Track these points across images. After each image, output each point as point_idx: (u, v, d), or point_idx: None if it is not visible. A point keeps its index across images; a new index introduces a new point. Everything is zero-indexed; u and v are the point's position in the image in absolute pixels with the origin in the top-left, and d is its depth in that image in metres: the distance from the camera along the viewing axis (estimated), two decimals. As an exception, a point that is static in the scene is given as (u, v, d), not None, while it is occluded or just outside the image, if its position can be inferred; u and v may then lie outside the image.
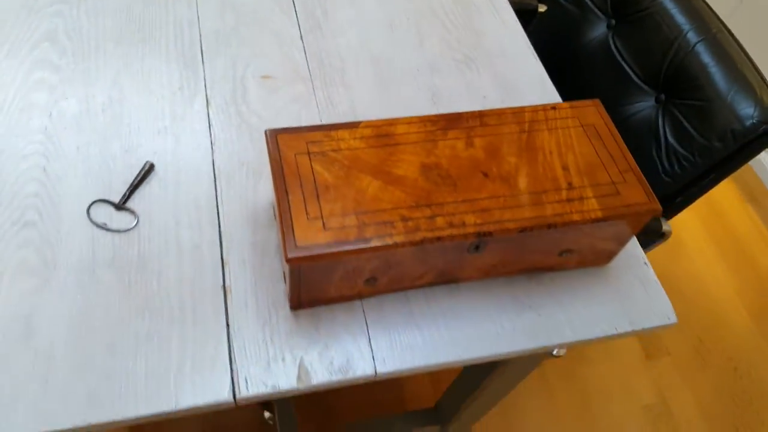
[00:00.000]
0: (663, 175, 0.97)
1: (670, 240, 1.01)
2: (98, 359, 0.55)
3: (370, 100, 0.79)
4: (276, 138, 0.58)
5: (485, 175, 0.58)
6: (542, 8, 1.32)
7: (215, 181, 0.68)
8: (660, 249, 1.06)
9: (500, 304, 0.63)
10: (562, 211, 0.56)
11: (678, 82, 0.96)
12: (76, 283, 0.60)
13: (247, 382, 0.56)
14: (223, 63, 0.80)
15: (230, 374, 0.56)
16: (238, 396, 0.55)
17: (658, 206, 0.58)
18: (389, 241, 0.52)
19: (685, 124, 0.94)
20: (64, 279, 0.60)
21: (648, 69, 1.02)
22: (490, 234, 0.54)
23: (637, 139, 1.00)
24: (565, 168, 0.59)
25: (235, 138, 0.72)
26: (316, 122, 0.76)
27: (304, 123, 0.76)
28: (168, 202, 0.66)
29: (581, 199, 0.57)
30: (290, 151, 0.57)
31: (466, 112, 0.63)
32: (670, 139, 0.97)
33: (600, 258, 0.66)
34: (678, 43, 0.96)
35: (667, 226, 1.00)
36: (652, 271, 0.67)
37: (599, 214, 0.56)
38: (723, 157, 0.90)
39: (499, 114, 0.63)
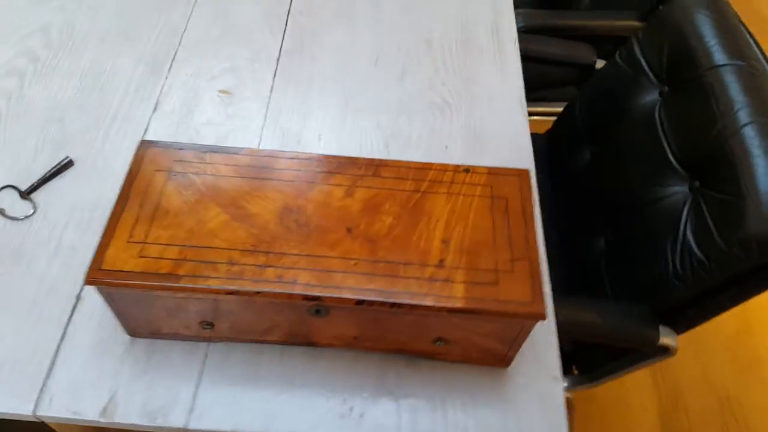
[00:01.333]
0: (674, 278, 0.82)
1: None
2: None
3: (320, 131, 0.75)
4: (145, 150, 0.56)
5: (349, 230, 0.52)
6: (599, 64, 1.21)
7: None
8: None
9: (360, 383, 0.56)
10: (417, 290, 0.48)
11: (713, 168, 0.81)
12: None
13: (51, 401, 0.54)
14: (189, 72, 0.81)
15: (40, 388, 0.54)
16: (37, 412, 0.53)
17: (542, 311, 0.48)
18: (201, 284, 0.48)
19: (708, 220, 0.79)
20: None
21: (686, 147, 0.88)
22: (318, 299, 0.48)
23: (658, 229, 0.86)
24: (445, 241, 0.51)
25: (164, 147, 0.73)
26: (253, 144, 0.74)
27: (240, 142, 0.74)
28: (71, 200, 0.67)
29: (447, 281, 0.49)
30: (151, 166, 0.55)
31: (363, 159, 0.57)
32: (689, 235, 0.82)
33: (491, 357, 0.56)
34: (724, 122, 0.82)
35: (672, 340, 0.84)
36: (561, 389, 0.56)
37: (459, 303, 0.48)
38: (744, 271, 0.74)
39: (399, 167, 0.56)
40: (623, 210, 0.95)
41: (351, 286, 0.48)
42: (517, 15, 0.98)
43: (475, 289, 0.48)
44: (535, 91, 1.34)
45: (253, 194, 0.54)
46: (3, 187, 0.68)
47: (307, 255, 0.50)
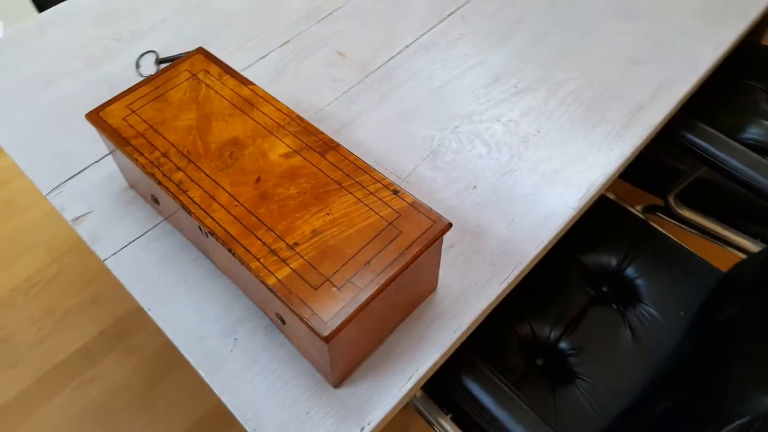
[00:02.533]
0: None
1: None
2: None
3: (378, 122, 0.80)
4: (195, 54, 0.70)
5: (258, 180, 0.58)
6: None
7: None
8: None
9: (239, 318, 0.62)
10: (255, 252, 0.52)
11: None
12: None
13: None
14: (329, 32, 0.93)
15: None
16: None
17: (325, 333, 0.47)
18: (134, 156, 0.60)
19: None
20: None
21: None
22: (189, 210, 0.56)
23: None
24: (314, 232, 0.54)
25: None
26: (328, 102, 0.83)
27: (318, 99, 0.83)
28: (179, 77, 0.86)
29: (283, 260, 0.52)
30: (187, 66, 0.68)
31: (324, 136, 0.61)
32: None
33: (320, 367, 0.56)
34: None
35: None
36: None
37: (271, 280, 0.50)
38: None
39: (345, 158, 0.59)
40: None
41: (215, 219, 0.55)
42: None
43: (295, 281, 0.50)
44: (732, 215, 1.13)
45: (224, 118, 0.63)
46: (147, 52, 0.90)
47: (213, 180, 0.58)
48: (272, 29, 0.93)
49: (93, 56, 0.90)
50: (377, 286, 0.50)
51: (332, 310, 0.49)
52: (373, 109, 0.81)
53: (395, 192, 0.56)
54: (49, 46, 0.91)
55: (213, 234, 0.54)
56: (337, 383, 0.57)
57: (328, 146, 0.60)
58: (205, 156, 0.60)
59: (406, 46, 0.89)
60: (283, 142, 0.61)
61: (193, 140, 0.61)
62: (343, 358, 0.55)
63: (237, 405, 0.56)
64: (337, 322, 0.48)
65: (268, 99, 0.65)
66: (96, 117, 0.63)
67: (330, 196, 0.56)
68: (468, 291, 0.64)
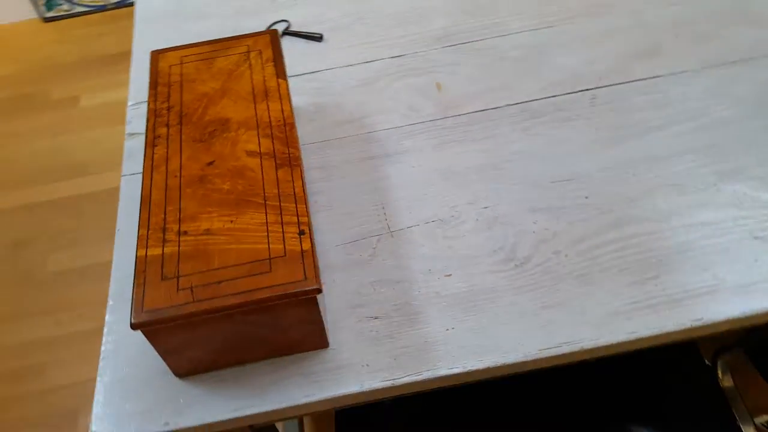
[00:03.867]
0: None
1: None
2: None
3: (414, 167, 0.76)
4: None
5: (211, 164, 0.61)
6: None
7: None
8: None
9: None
10: (153, 221, 0.56)
11: None
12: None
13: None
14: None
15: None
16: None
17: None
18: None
19: None
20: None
21: None
22: (144, 164, 0.62)
23: None
24: (207, 231, 0.55)
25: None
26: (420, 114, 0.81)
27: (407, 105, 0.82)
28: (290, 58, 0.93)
29: (162, 240, 0.55)
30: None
31: (297, 167, 0.61)
32: None
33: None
34: None
35: None
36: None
37: (140, 252, 0.54)
38: None
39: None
40: None
41: (152, 180, 0.60)
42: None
43: (154, 263, 0.53)
44: None
45: (234, 99, 0.67)
46: (281, 21, 0.98)
47: (180, 147, 0.63)
48: (397, 38, 0.93)
49: (245, 8, 1.01)
50: (208, 307, 0.50)
51: (155, 305, 0.51)
52: (421, 153, 0.78)
53: (301, 233, 0.55)
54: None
55: (141, 192, 0.59)
56: (179, 374, 0.59)
57: (288, 162, 0.61)
58: (194, 124, 0.65)
59: (508, 105, 0.82)
60: (258, 141, 0.63)
61: (197, 107, 0.67)
62: (177, 356, 0.56)
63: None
64: (149, 317, 0.50)
65: (283, 97, 0.67)
66: (155, 56, 0.73)
67: (248, 207, 0.57)
68: (352, 368, 0.59)
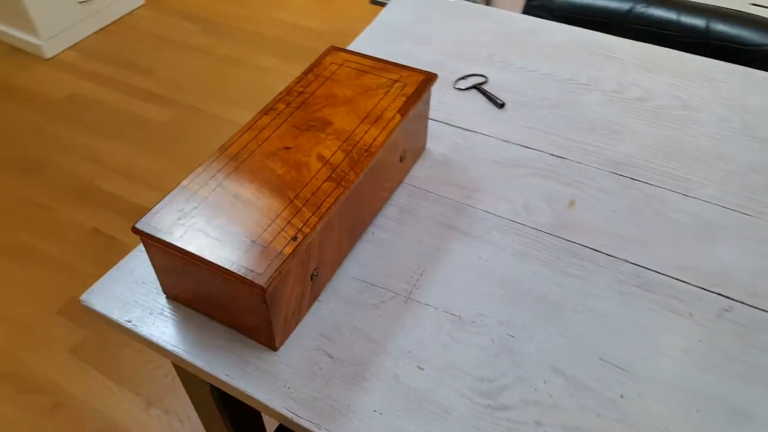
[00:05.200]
0: None
1: None
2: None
3: (472, 264, 0.73)
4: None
5: (287, 148, 0.68)
6: None
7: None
8: None
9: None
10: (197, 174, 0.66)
11: None
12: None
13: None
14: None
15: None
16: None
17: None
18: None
19: None
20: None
21: None
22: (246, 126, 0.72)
23: None
24: (236, 196, 0.63)
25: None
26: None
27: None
28: (469, 111, 0.95)
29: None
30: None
31: (347, 188, 0.65)
32: None
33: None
34: None
35: None
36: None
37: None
38: None
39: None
40: None
41: (236, 141, 0.70)
42: None
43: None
44: None
45: (355, 110, 0.73)
46: (477, 75, 1.00)
47: (279, 125, 0.71)
48: (572, 140, 0.89)
49: (463, 51, 1.06)
50: (182, 247, 0.58)
51: (158, 224, 0.60)
52: (499, 252, 0.74)
53: (293, 238, 0.59)
54: (426, 22, 1.12)
55: (227, 141, 0.69)
56: (165, 293, 0.68)
57: (340, 181, 0.64)
58: (305, 113, 0.73)
59: (625, 260, 0.74)
60: (334, 152, 0.68)
61: (318, 102, 0.74)
62: (165, 276, 0.65)
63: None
64: (146, 230, 0.59)
65: (387, 129, 0.71)
66: (329, 50, 0.83)
67: (278, 195, 0.63)
68: (275, 380, 0.61)
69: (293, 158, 0.67)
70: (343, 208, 0.66)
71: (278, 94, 0.76)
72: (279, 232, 0.59)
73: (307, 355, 0.64)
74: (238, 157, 0.67)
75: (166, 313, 0.67)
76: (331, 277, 0.71)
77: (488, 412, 0.59)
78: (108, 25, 2.68)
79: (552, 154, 0.87)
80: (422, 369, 0.63)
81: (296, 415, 0.59)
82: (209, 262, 0.57)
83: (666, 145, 0.89)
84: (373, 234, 0.76)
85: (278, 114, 0.73)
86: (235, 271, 0.56)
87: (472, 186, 0.82)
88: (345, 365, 0.63)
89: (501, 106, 0.95)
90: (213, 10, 2.79)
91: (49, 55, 2.46)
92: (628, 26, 1.16)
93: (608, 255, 0.74)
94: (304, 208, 0.61)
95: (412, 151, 0.82)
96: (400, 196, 0.81)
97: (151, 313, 0.67)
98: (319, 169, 0.66)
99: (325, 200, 0.62)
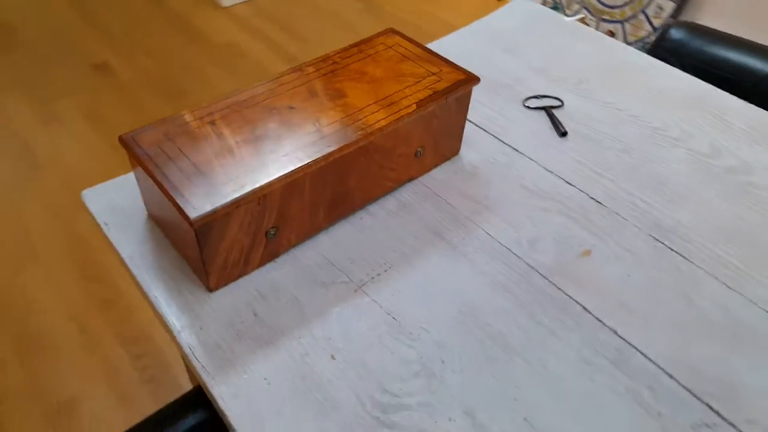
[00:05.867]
0: None
1: None
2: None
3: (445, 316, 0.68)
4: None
5: (291, 108, 0.69)
6: None
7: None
8: None
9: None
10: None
11: None
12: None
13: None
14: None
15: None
16: None
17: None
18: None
19: None
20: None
21: None
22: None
23: None
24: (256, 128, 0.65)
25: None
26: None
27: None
28: (529, 129, 0.89)
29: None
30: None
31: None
32: None
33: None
34: None
35: None
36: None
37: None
38: None
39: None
40: None
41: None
42: None
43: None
44: None
45: (374, 92, 0.72)
46: (552, 97, 0.93)
47: (305, 78, 0.72)
48: (616, 189, 0.80)
49: (548, 74, 1.00)
50: (142, 154, 0.61)
51: (146, 141, 0.64)
52: (471, 268, 0.69)
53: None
54: (527, 33, 1.05)
55: (235, 92, 0.72)
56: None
57: (321, 150, 0.64)
58: (327, 81, 0.73)
59: (619, 349, 0.65)
60: (331, 123, 0.68)
61: (345, 76, 0.74)
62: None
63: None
64: (129, 140, 0.64)
65: (394, 115, 0.69)
66: (389, 31, 0.82)
67: (260, 142, 0.64)
68: (190, 315, 0.63)
69: (290, 118, 0.68)
70: (318, 177, 0.66)
71: (315, 58, 0.77)
72: (235, 179, 0.60)
73: (235, 306, 0.65)
74: (242, 103, 0.70)
75: (139, 229, 0.72)
76: (296, 244, 0.71)
77: (373, 424, 0.56)
78: (287, -12, 2.89)
79: (592, 198, 0.79)
80: (334, 359, 0.61)
81: (193, 354, 0.60)
82: (162, 185, 0.60)
83: (735, 227, 0.77)
84: (361, 219, 0.75)
85: (303, 75, 0.74)
86: (176, 200, 0.58)
87: (487, 204, 0.77)
88: (264, 328, 0.63)
89: (563, 134, 0.88)
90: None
91: (225, 4, 2.71)
92: (761, 90, 1.01)
93: (595, 317, 0.66)
94: (272, 163, 0.62)
95: (436, 151, 0.79)
96: (406, 191, 0.78)
97: (128, 224, 0.72)
98: (309, 134, 0.66)
99: (300, 163, 0.62)
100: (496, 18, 1.13)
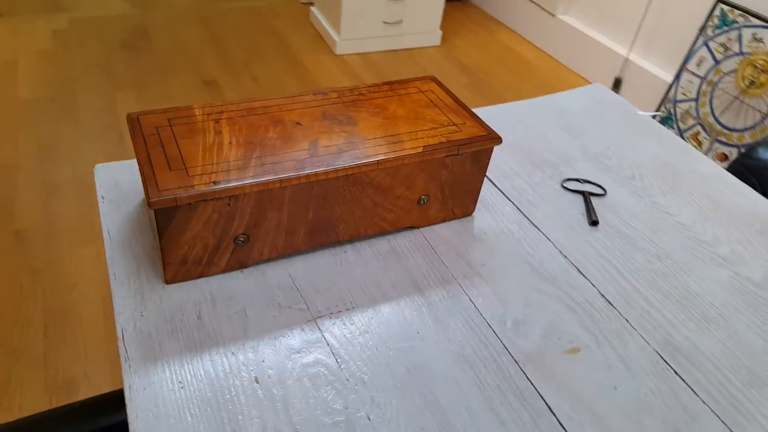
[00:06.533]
0: None
1: None
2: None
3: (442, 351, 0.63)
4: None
5: (297, 124, 0.69)
6: None
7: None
8: None
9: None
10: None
11: None
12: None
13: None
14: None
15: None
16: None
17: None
18: (370, 85, 0.78)
19: None
20: (580, 161, 0.94)
21: None
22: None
23: None
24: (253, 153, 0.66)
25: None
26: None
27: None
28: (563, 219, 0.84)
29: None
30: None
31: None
32: None
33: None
34: None
35: None
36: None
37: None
38: None
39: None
40: None
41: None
42: None
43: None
44: None
45: (380, 129, 0.71)
46: (593, 184, 0.87)
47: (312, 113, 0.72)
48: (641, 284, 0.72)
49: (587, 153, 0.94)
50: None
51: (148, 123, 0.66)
52: (437, 335, 0.64)
53: (215, 182, 0.59)
54: (591, 118, 0.99)
55: (250, 99, 0.73)
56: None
57: (306, 169, 0.63)
58: (343, 107, 0.73)
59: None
60: (329, 144, 0.66)
61: (363, 107, 0.74)
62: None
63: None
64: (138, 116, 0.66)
65: (394, 153, 0.67)
66: (431, 79, 0.81)
67: (252, 148, 0.64)
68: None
69: (292, 133, 0.68)
70: (299, 195, 0.64)
71: (344, 87, 0.77)
72: (212, 173, 0.60)
73: (183, 303, 0.63)
74: (253, 110, 0.70)
75: (129, 210, 0.73)
76: (268, 259, 0.69)
77: (267, 461, 0.51)
78: (398, 50, 2.99)
79: (602, 295, 0.72)
80: (257, 383, 0.57)
81: (122, 337, 0.59)
82: (140, 163, 0.60)
83: (764, 371, 0.66)
84: (345, 252, 0.72)
85: (325, 98, 0.74)
86: (146, 179, 0.58)
87: (481, 272, 0.72)
88: (201, 332, 0.61)
89: (593, 223, 0.82)
90: (487, 70, 2.92)
91: (338, 51, 2.84)
92: None
93: (558, 421, 0.58)
94: (253, 168, 0.61)
95: (444, 205, 0.76)
96: (402, 238, 0.75)
97: (122, 202, 0.74)
98: (301, 150, 0.65)
99: (278, 175, 0.61)
100: (565, 97, 1.10)
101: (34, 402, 1.37)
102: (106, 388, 1.42)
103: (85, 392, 1.42)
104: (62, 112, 2.25)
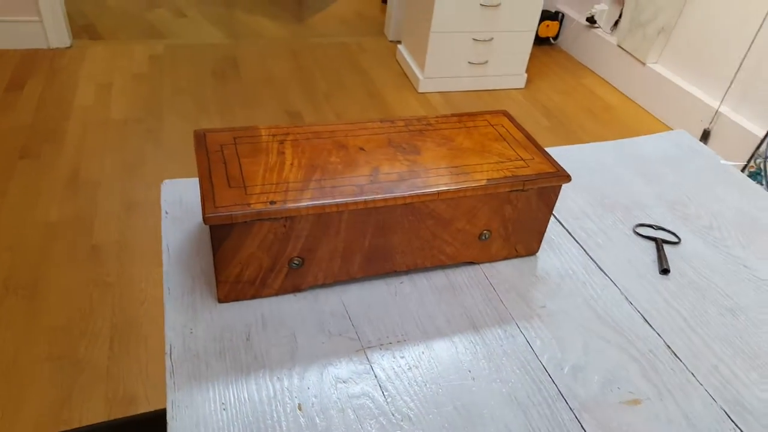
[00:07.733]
0: None
1: None
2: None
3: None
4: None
5: (361, 149, 0.70)
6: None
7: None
8: None
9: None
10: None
11: None
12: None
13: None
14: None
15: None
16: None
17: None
18: (437, 116, 0.78)
19: None
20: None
21: None
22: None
23: None
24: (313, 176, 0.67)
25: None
26: None
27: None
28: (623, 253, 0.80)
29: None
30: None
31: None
32: None
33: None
34: None
35: None
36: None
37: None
38: None
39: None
40: None
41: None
42: None
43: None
44: None
45: (446, 159, 0.71)
46: (661, 229, 0.82)
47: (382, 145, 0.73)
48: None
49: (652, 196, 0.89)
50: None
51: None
52: (490, 375, 0.62)
53: (272, 202, 0.61)
54: (672, 165, 0.94)
55: (317, 123, 0.75)
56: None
57: (365, 195, 0.64)
58: (409, 137, 0.73)
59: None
60: (391, 171, 0.67)
61: (432, 140, 0.74)
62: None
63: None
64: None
65: (457, 184, 0.66)
66: (499, 111, 0.81)
67: (312, 171, 0.66)
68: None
69: (355, 158, 0.68)
70: (356, 221, 0.64)
71: (413, 116, 0.78)
72: (270, 193, 0.62)
73: (234, 324, 0.64)
74: (318, 134, 0.72)
75: (191, 227, 0.76)
76: (322, 284, 0.69)
77: (303, 489, 0.51)
78: (481, 91, 3.00)
79: (669, 346, 0.67)
80: (300, 410, 0.57)
81: (170, 353, 0.60)
82: (201, 179, 0.63)
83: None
84: (401, 283, 0.71)
85: (392, 126, 0.75)
86: (204, 195, 0.60)
87: (541, 313, 0.70)
88: (249, 354, 0.61)
89: (664, 271, 0.77)
90: (570, 114, 2.88)
91: (420, 89, 2.88)
92: None
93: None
94: (312, 191, 0.63)
95: (507, 241, 0.74)
96: (461, 273, 0.74)
97: (184, 219, 0.77)
98: (361, 176, 0.66)
99: (336, 199, 0.62)
100: (645, 141, 1.06)
101: (93, 415, 1.42)
102: (163, 406, 1.45)
103: (143, 408, 1.46)
104: (148, 133, 2.38)
